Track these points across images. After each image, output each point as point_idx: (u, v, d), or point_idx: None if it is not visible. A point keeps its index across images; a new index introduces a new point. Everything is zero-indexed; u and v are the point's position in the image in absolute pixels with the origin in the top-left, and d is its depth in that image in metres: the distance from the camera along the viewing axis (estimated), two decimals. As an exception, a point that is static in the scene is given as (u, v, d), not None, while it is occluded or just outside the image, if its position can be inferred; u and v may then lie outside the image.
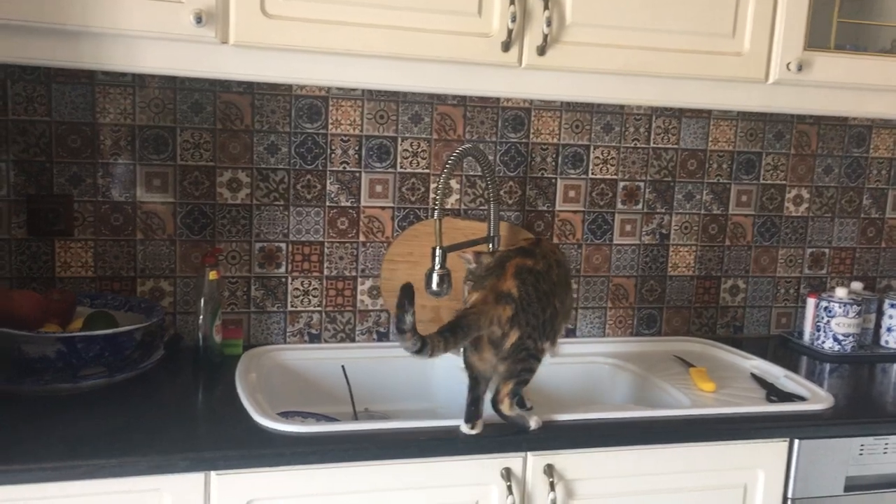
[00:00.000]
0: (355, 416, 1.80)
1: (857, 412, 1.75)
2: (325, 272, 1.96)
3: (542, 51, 1.65)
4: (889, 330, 2.22)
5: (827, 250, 2.32)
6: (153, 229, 1.84)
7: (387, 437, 1.45)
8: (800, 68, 1.79)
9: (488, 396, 1.50)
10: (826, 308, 2.15)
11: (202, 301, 1.76)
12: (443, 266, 1.76)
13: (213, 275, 1.76)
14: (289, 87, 1.87)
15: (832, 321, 2.14)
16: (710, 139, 2.16)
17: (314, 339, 1.97)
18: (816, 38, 1.85)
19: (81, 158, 1.78)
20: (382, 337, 2.02)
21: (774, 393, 1.81)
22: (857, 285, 2.25)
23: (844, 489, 1.71)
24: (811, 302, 2.22)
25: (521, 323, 1.43)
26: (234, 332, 1.86)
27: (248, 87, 1.85)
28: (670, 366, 1.99)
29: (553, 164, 2.06)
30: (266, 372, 1.82)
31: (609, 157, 2.10)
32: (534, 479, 1.51)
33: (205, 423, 1.51)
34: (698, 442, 1.60)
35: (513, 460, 1.50)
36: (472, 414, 1.46)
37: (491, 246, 1.94)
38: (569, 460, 1.53)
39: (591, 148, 2.08)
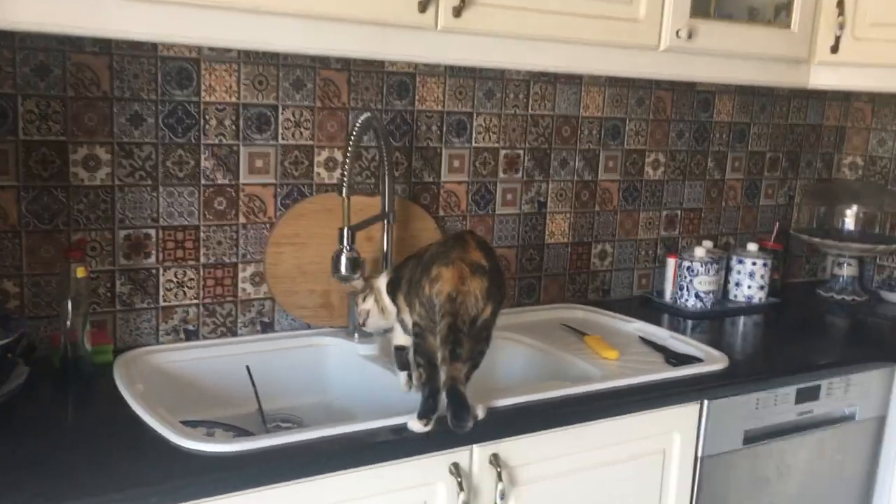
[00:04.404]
0: (264, 422, 1.61)
1: (753, 369, 1.83)
2: (202, 260, 1.73)
3: (457, 12, 1.53)
4: (737, 285, 2.37)
5: (679, 212, 2.42)
6: (-9, 219, 1.52)
7: (335, 444, 1.30)
8: (689, 36, 1.81)
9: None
10: (689, 268, 2.24)
11: (69, 303, 1.48)
12: (352, 248, 1.61)
13: (81, 271, 1.48)
14: (153, 47, 1.60)
15: (695, 280, 2.24)
16: (582, 105, 2.16)
17: (191, 335, 1.74)
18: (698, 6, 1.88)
19: None
20: (267, 328, 1.82)
21: (671, 356, 1.86)
22: (707, 244, 2.36)
23: (743, 442, 1.80)
24: (671, 262, 2.31)
25: (494, 297, 1.33)
26: (102, 335, 1.59)
27: (105, 47, 1.56)
28: (563, 336, 1.98)
29: (438, 132, 1.96)
30: (144, 377, 1.57)
31: (491, 125, 2.03)
32: (480, 472, 1.43)
33: (113, 451, 1.26)
34: (626, 414, 1.59)
35: (460, 454, 1.41)
36: (430, 408, 1.34)
37: (386, 223, 1.80)
38: (511, 447, 1.46)
39: (474, 115, 2.00)
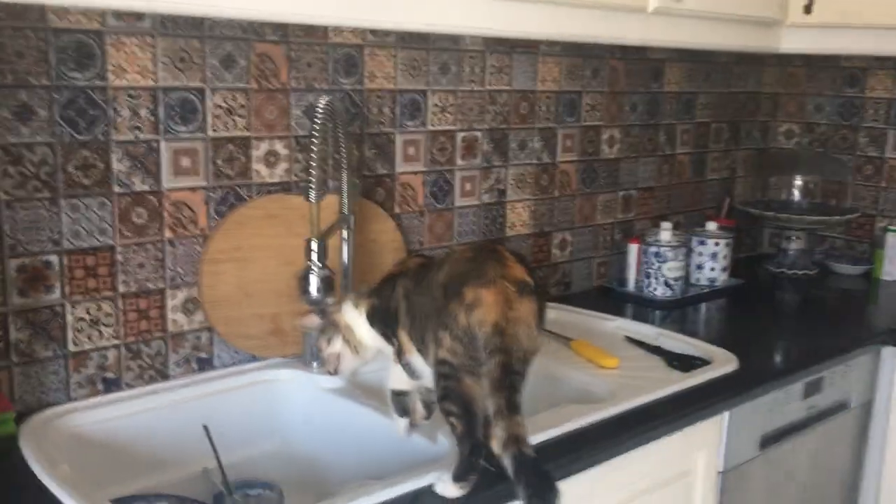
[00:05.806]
0: (229, 492, 1.26)
1: (765, 367, 1.65)
2: (121, 289, 1.35)
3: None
4: (699, 267, 2.20)
5: (633, 192, 2.22)
6: None
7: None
8: (682, -5, 1.60)
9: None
10: (656, 253, 2.04)
11: (-47, 367, 1.09)
12: (324, 265, 1.29)
13: (-33, 323, 1.09)
14: (41, 14, 1.21)
15: (664, 266, 2.04)
16: (539, 78, 1.90)
17: (112, 385, 1.37)
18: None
19: None
20: (205, 365, 1.47)
21: (673, 358, 1.64)
22: (667, 225, 2.17)
23: (759, 447, 1.62)
24: (634, 248, 2.11)
25: (543, 323, 1.06)
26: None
27: (-24, 16, 1.16)
28: (544, 341, 1.73)
29: (391, 115, 1.65)
30: (61, 449, 1.20)
31: (447, 104, 1.74)
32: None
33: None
34: (659, 437, 1.37)
35: (494, 514, 1.13)
36: (470, 467, 1.05)
37: (345, 231, 1.48)
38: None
39: (429, 93, 1.70)
